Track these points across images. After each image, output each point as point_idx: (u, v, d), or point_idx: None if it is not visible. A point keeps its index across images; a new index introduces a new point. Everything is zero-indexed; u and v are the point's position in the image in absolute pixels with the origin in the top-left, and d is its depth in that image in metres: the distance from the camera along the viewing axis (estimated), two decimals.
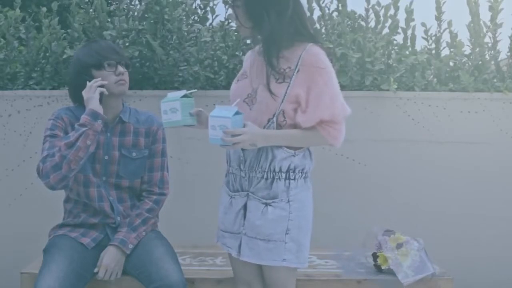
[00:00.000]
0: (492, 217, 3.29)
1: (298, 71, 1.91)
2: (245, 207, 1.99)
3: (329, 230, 2.95)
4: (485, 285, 3.25)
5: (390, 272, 2.27)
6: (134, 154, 2.30)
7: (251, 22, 1.95)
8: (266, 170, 1.94)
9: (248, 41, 3.22)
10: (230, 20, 3.38)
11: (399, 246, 2.29)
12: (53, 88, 3.38)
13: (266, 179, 1.95)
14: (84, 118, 2.11)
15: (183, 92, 2.01)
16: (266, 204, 1.94)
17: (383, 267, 2.28)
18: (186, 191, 3.23)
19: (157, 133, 2.35)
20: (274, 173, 1.94)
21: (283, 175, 1.94)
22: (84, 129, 2.09)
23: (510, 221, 3.30)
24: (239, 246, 1.99)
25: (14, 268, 2.40)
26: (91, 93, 2.13)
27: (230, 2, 2.01)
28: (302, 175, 1.97)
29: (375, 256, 2.34)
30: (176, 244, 2.34)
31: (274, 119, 1.92)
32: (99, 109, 2.13)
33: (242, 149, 1.95)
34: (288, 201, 1.94)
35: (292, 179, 1.95)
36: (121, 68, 2.22)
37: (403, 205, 3.27)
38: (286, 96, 1.91)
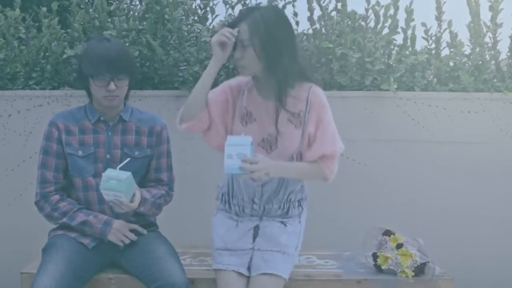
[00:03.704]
0: (492, 217, 3.29)
1: (308, 112, 2.03)
2: (256, 227, 2.12)
3: (329, 230, 2.95)
4: (485, 285, 3.25)
5: (390, 272, 2.27)
6: (136, 153, 2.29)
7: (266, 62, 1.96)
8: (284, 201, 2.12)
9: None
10: (230, 20, 3.37)
11: (399, 246, 2.29)
12: (53, 88, 3.37)
13: (283, 208, 2.13)
14: (96, 227, 2.20)
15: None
16: (282, 222, 2.12)
17: (383, 267, 2.28)
18: (186, 191, 3.22)
19: (162, 133, 2.33)
20: (290, 203, 2.14)
21: (297, 203, 2.18)
22: (87, 228, 2.21)
23: (510, 221, 3.30)
24: (249, 262, 2.04)
25: (14, 268, 2.39)
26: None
27: (244, 41, 1.96)
28: (306, 202, 2.23)
29: (375, 256, 2.33)
30: (176, 244, 2.33)
31: (294, 157, 2.07)
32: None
33: (261, 185, 2.07)
34: (300, 222, 2.19)
35: (303, 206, 2.21)
36: (112, 86, 2.14)
37: (403, 205, 3.27)
38: (303, 140, 2.05)
